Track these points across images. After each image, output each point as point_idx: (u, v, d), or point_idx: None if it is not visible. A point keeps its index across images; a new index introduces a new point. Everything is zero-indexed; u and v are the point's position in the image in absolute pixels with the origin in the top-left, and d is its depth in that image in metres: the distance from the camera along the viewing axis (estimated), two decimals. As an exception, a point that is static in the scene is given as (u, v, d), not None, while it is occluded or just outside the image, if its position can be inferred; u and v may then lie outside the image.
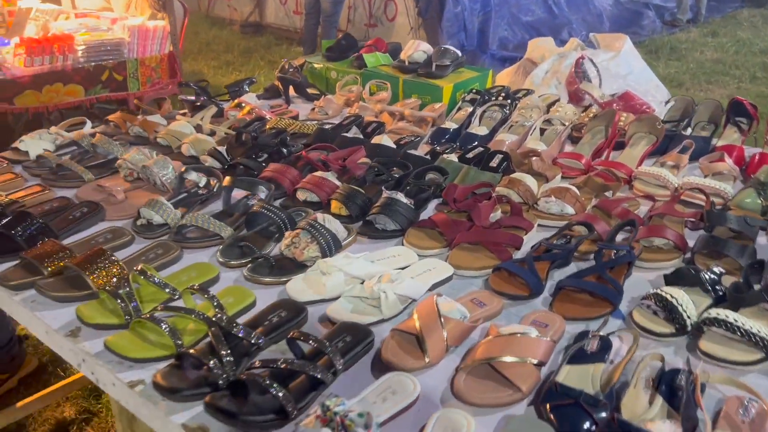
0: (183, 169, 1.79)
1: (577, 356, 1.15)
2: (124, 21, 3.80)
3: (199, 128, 2.19)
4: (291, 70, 2.80)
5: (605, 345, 1.18)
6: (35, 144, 2.01)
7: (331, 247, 1.50)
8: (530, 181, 1.77)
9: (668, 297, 1.25)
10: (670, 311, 1.24)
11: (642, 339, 1.22)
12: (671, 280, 1.36)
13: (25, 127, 3.74)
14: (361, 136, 2.19)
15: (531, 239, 1.59)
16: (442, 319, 1.18)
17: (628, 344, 1.19)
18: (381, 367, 1.15)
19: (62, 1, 4.49)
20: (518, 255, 1.52)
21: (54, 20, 3.85)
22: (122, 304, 1.25)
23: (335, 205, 1.70)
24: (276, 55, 7.82)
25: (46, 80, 3.38)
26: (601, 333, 1.21)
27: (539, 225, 1.67)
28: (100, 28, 3.73)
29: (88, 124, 2.19)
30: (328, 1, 6.81)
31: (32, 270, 1.39)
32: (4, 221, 1.52)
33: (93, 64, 3.52)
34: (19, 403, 2.22)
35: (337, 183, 1.80)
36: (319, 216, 1.55)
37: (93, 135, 2.10)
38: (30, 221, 1.53)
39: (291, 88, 2.75)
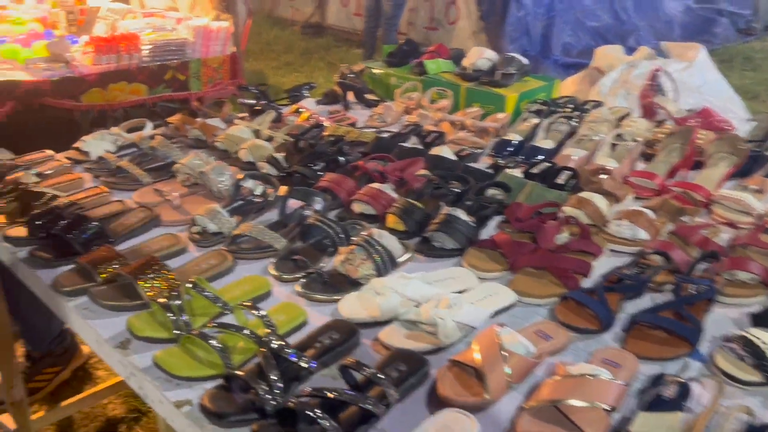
0: (240, 176, 1.76)
1: (653, 403, 1.05)
2: (189, 21, 3.84)
3: (257, 133, 2.17)
4: (351, 75, 2.76)
5: (684, 391, 1.07)
6: (96, 145, 2.03)
7: (386, 265, 1.43)
8: (600, 202, 1.66)
9: (756, 341, 1.14)
10: (758, 357, 1.13)
11: (726, 386, 1.11)
12: (760, 320, 1.24)
13: (91, 124, 3.84)
14: (420, 146, 2.12)
15: (600, 265, 1.48)
16: (505, 353, 1.10)
17: (711, 392, 1.08)
18: (436, 401, 1.08)
19: (131, 0, 4.60)
20: (586, 282, 1.42)
21: (122, 19, 3.93)
22: (173, 317, 1.22)
23: (391, 220, 1.64)
24: (335, 57, 7.84)
25: (111, 79, 3.44)
26: (680, 377, 1.11)
27: (609, 250, 1.56)
28: (166, 28, 3.78)
29: (149, 125, 2.20)
30: (389, 3, 6.77)
31: (86, 276, 1.38)
32: (62, 224, 1.51)
33: (157, 63, 3.57)
34: (66, 402, 2.26)
35: (394, 196, 1.74)
36: (375, 232, 1.50)
37: (152, 137, 2.10)
38: (86, 225, 1.52)
39: (350, 93, 2.71)
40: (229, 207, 1.68)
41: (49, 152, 2.02)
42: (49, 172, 1.86)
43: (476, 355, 1.10)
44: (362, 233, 1.52)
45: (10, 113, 3.12)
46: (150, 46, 3.54)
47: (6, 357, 2.09)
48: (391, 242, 1.48)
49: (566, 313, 1.29)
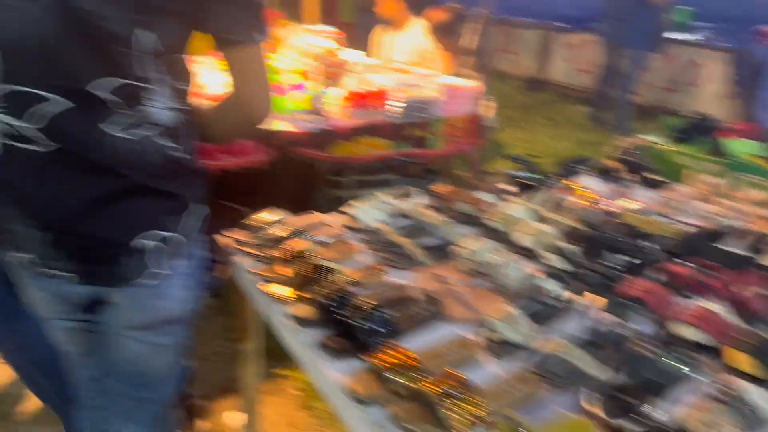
0: (537, 272, 1.52)
1: None
2: (436, 78, 3.80)
3: (535, 213, 1.93)
4: (631, 150, 2.43)
5: None
6: (368, 212, 1.93)
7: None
8: None
9: None
10: None
11: None
12: None
13: (332, 174, 3.92)
14: (747, 254, 1.72)
15: None
16: None
17: None
18: None
19: (380, 55, 4.72)
20: None
21: (371, 73, 4.01)
22: (493, 467, 0.98)
23: (740, 359, 1.27)
24: (558, 114, 7.51)
25: (359, 132, 3.47)
26: None
27: None
28: (414, 85, 3.77)
29: (418, 195, 2.07)
30: (628, 61, 6.29)
31: (378, 378, 1.21)
32: (348, 308, 1.38)
33: (403, 120, 3.54)
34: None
35: (733, 321, 1.37)
36: (733, 381, 1.15)
37: (420, 206, 1.96)
38: (374, 312, 1.37)
39: (626, 170, 2.38)
40: (525, 310, 1.43)
41: (319, 216, 1.96)
42: (326, 239, 1.78)
43: None
44: (714, 379, 1.18)
45: (270, 161, 3.25)
46: (399, 103, 3.52)
47: (252, 409, 2.05)
48: (759, 400, 1.12)
49: None
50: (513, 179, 2.21)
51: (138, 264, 1.18)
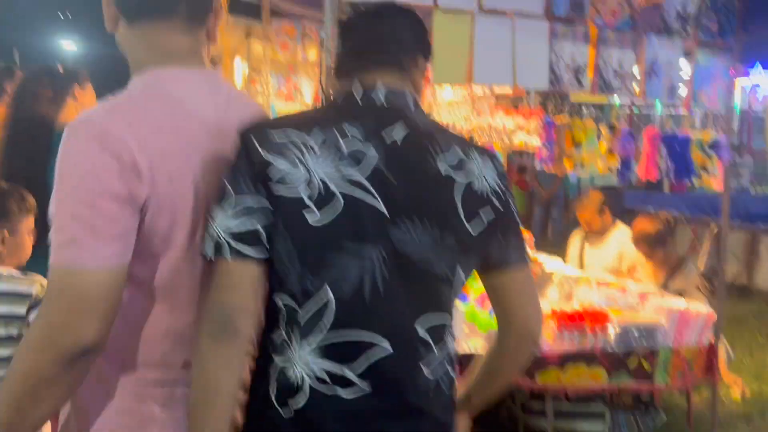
0: None
1: None
2: (658, 300, 3.33)
3: None
4: None
5: None
6: None
7: None
8: None
9: None
10: None
11: None
12: None
13: (530, 400, 3.45)
14: None
15: None
16: None
17: None
18: None
19: (580, 263, 4.38)
20: None
21: (577, 286, 3.64)
22: None
23: None
24: (773, 328, 6.47)
25: (571, 358, 3.04)
26: None
27: None
28: (630, 305, 3.33)
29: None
30: None
31: None
32: None
33: (620, 348, 3.07)
34: None
35: None
36: None
37: None
38: None
39: None
40: None
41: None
42: None
43: None
44: None
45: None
46: (617, 329, 3.08)
47: None
48: None
49: None
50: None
51: None
